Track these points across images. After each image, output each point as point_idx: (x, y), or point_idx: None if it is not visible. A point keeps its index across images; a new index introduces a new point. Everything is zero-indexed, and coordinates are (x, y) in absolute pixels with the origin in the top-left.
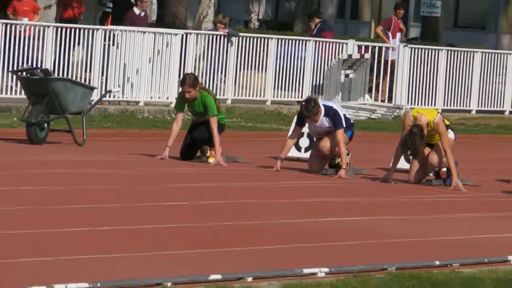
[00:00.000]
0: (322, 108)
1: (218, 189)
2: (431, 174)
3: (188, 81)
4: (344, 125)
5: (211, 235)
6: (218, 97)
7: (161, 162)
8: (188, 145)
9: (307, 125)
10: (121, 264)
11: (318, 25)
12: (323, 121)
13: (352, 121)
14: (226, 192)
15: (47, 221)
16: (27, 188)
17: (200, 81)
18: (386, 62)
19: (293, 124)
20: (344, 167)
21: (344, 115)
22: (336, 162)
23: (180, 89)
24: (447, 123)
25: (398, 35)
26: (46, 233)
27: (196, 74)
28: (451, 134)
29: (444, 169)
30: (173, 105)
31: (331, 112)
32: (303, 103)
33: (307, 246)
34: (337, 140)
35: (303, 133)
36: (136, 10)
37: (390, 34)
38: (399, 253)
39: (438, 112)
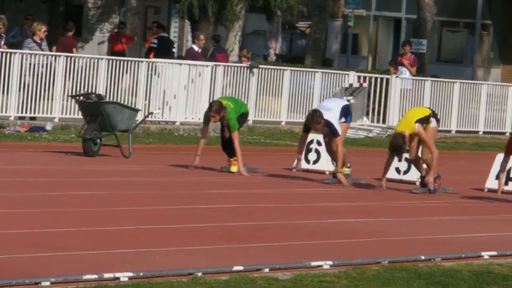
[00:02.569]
0: (324, 120)
1: (241, 195)
2: (417, 183)
3: (214, 108)
4: (340, 133)
5: (234, 233)
6: None
7: (194, 172)
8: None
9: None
10: (159, 256)
11: (213, 47)
12: (324, 129)
13: (349, 105)
14: (247, 197)
15: (98, 220)
16: (82, 193)
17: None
18: (400, 90)
19: (302, 132)
20: (339, 171)
21: (344, 106)
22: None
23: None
24: (428, 113)
25: (401, 68)
26: (97, 230)
27: None
28: (433, 123)
29: (431, 180)
30: None
31: (329, 124)
32: (311, 112)
33: (314, 243)
34: (335, 147)
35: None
36: (195, 47)
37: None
38: (391, 249)
39: (416, 123)
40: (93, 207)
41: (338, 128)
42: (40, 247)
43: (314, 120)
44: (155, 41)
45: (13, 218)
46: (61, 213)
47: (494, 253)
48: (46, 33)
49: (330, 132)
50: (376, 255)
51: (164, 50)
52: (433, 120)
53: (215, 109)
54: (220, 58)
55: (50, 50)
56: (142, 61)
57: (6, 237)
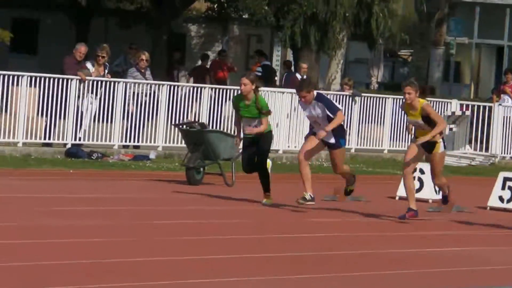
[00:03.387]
0: (315, 93)
1: (342, 223)
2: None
3: (249, 75)
4: (339, 108)
5: (332, 261)
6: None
7: (294, 203)
8: (248, 164)
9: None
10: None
11: (285, 73)
12: (314, 107)
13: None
14: (348, 225)
15: (193, 249)
16: (183, 222)
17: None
18: (505, 118)
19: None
20: (326, 129)
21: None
22: (348, 190)
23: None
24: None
25: (504, 96)
26: (188, 260)
27: None
28: (441, 148)
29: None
30: None
31: (321, 98)
32: (301, 79)
33: (417, 272)
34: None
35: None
36: (298, 76)
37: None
38: (497, 277)
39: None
40: (191, 236)
41: (333, 104)
42: (136, 275)
43: (303, 86)
44: (259, 69)
45: (113, 246)
46: (166, 241)
47: None
48: (145, 61)
49: (326, 108)
50: (482, 283)
51: (266, 78)
52: (441, 144)
53: (250, 76)
54: (293, 81)
55: (177, 79)
56: None
57: (104, 266)
